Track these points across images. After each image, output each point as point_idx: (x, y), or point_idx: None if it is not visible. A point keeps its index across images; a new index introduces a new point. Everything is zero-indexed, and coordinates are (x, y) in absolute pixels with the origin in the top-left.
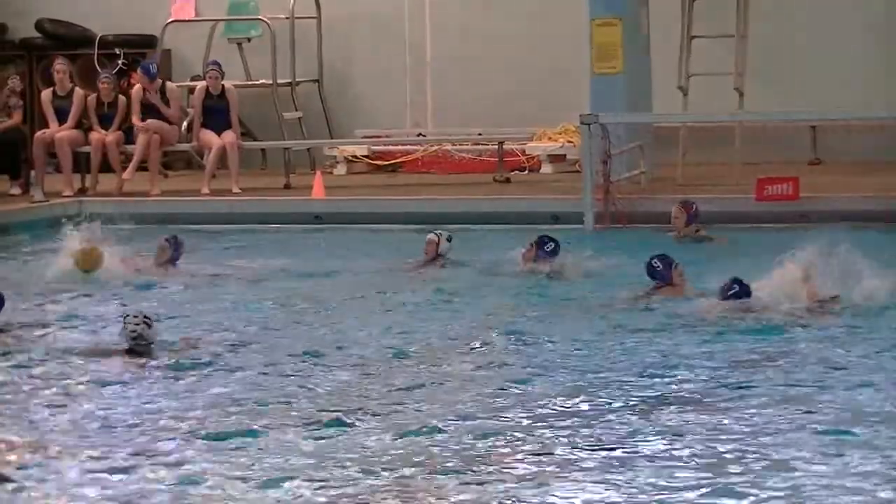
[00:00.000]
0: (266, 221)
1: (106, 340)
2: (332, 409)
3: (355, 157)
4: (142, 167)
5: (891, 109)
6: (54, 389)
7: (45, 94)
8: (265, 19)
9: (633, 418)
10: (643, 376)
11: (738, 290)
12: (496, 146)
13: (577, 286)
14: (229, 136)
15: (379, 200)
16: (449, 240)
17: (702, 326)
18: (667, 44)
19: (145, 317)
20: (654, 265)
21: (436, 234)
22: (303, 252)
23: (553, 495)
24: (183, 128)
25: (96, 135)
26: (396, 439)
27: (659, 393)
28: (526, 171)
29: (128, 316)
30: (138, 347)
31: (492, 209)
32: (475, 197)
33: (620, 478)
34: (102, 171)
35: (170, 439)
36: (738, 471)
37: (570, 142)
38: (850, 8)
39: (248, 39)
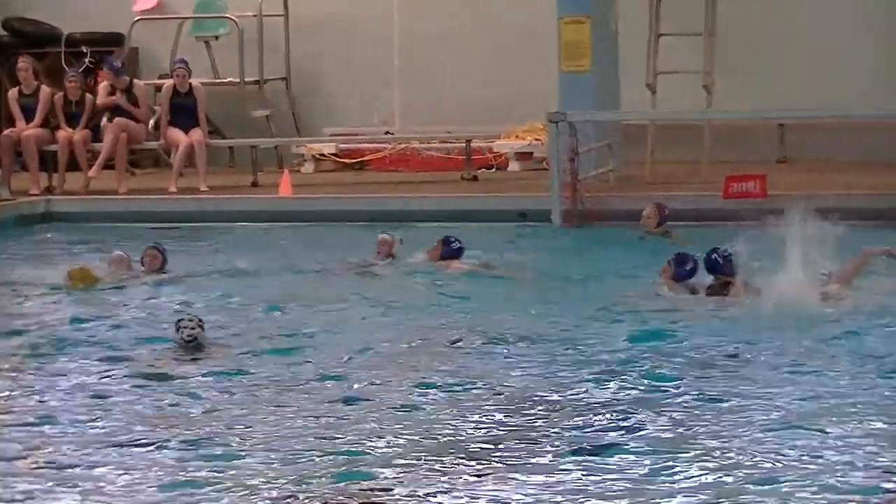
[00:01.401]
0: (234, 219)
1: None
2: (312, 405)
3: (323, 155)
4: (108, 165)
5: (865, 108)
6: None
7: (12, 93)
8: (233, 17)
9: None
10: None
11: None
12: (464, 144)
13: (548, 284)
14: (197, 135)
15: (346, 199)
16: (401, 242)
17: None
18: (635, 41)
19: (199, 320)
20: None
21: (389, 234)
22: (270, 250)
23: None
24: (150, 126)
25: (63, 133)
26: (376, 440)
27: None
28: (493, 169)
29: (183, 319)
30: (191, 350)
31: (459, 207)
32: (442, 195)
33: (610, 476)
34: (69, 169)
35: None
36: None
37: (537, 139)
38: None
39: (216, 37)
